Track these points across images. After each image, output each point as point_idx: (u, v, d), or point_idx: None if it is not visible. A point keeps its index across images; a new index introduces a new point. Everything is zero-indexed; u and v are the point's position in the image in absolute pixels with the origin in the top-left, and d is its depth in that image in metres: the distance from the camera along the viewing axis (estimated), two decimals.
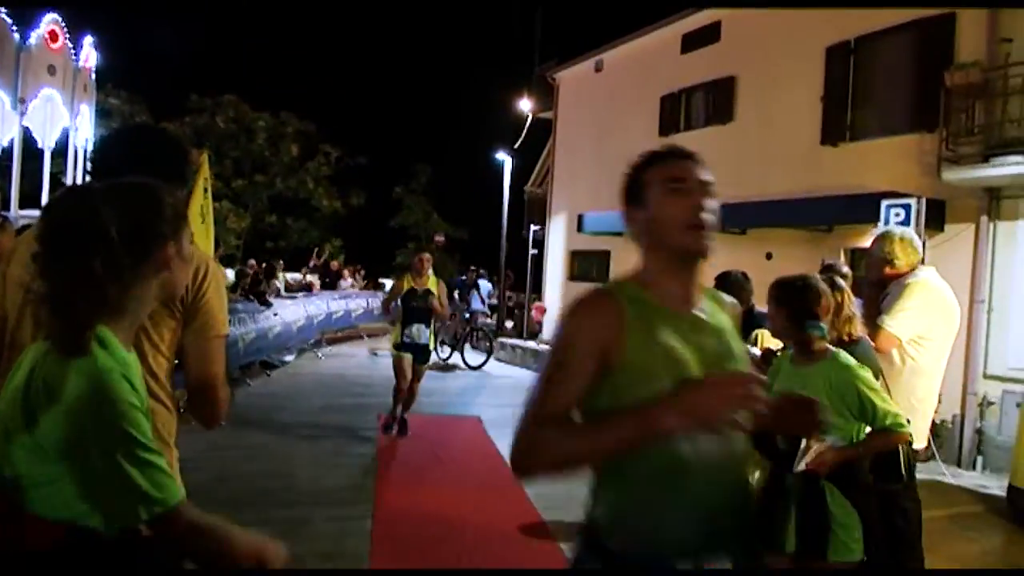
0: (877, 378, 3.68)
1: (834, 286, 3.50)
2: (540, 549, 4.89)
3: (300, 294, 14.71)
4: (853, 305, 3.59)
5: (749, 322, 4.73)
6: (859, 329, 3.57)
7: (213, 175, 26.46)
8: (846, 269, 6.13)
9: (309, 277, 17.31)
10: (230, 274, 14.39)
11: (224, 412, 2.13)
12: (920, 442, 4.38)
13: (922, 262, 4.51)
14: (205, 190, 8.21)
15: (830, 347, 3.01)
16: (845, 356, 3.00)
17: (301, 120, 29.51)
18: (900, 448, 3.62)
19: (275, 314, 11.50)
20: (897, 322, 4.10)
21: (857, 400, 2.90)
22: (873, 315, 4.23)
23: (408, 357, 7.64)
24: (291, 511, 5.34)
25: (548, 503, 5.75)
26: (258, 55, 44.22)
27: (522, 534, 5.14)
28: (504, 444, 7.66)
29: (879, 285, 4.42)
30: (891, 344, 4.11)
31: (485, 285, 17.49)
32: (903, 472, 3.71)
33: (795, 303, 3.12)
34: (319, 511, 5.37)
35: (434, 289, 7.87)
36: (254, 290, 11.91)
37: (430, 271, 8.09)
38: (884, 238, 4.44)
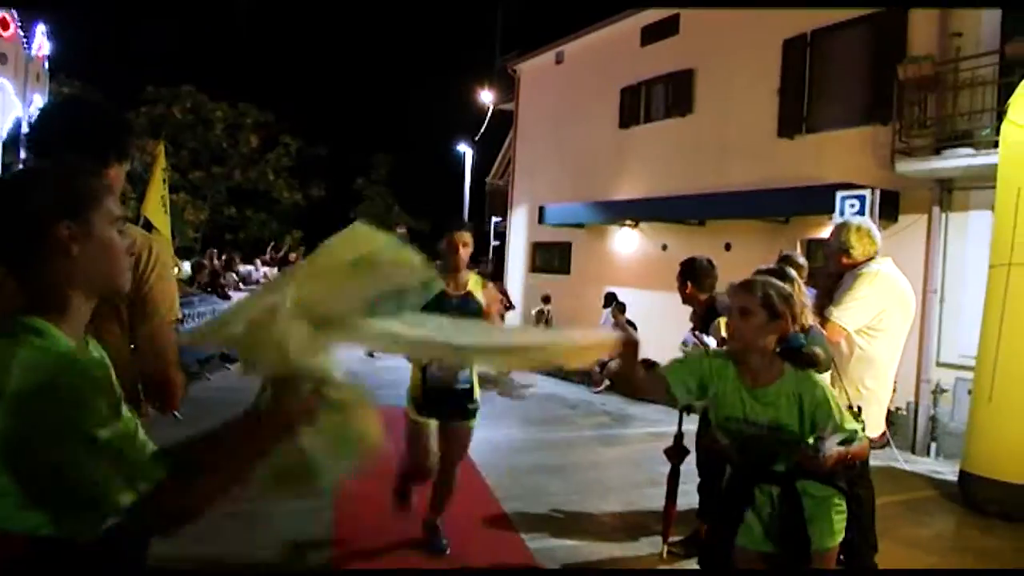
0: (829, 367, 3.75)
1: (785, 277, 3.56)
2: (501, 539, 4.91)
3: (258, 287, 14.55)
4: (804, 295, 3.65)
5: (711, 311, 4.79)
6: (810, 319, 3.63)
7: (170, 166, 26.14)
8: (802, 260, 6.23)
9: (264, 269, 17.10)
10: (187, 266, 14.19)
11: (179, 396, 2.13)
12: (874, 430, 4.46)
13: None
14: (164, 180, 8.12)
15: (784, 363, 2.76)
16: (802, 372, 2.77)
17: (260, 111, 29.14)
18: None
19: None
20: (845, 313, 4.16)
21: (827, 415, 2.70)
22: (826, 305, 4.30)
23: (433, 425, 4.57)
24: (253, 504, 5.29)
25: (508, 494, 5.78)
26: (216, 45, 43.46)
27: (484, 525, 5.15)
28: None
29: (836, 275, 4.49)
30: (839, 335, 4.18)
31: None
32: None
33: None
34: (280, 503, 5.32)
35: (478, 293, 4.53)
36: (212, 282, 11.74)
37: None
38: (842, 228, 4.51)
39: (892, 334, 4.39)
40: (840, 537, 2.88)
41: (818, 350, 2.90)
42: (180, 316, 2.08)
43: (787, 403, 2.69)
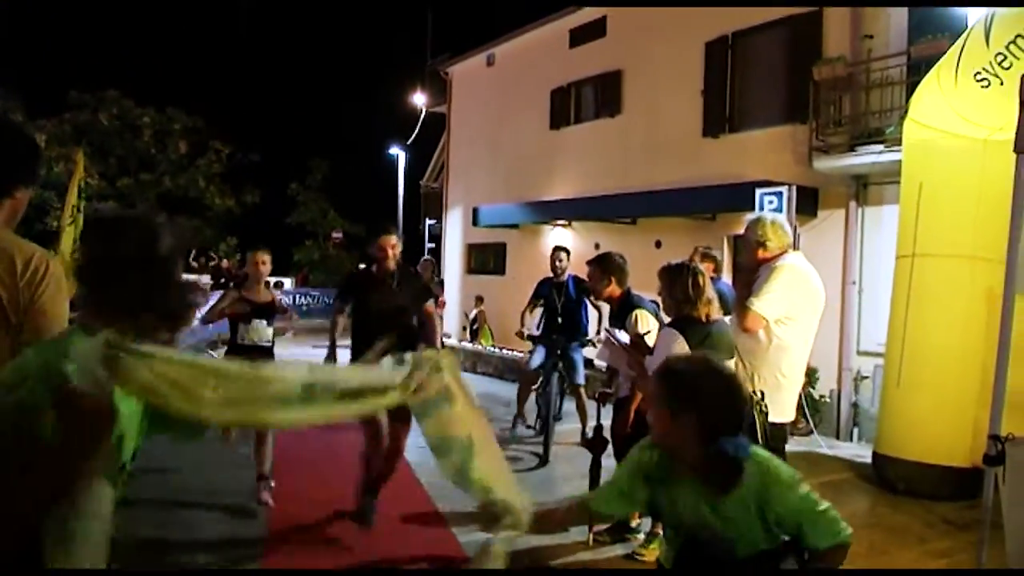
0: (733, 355, 3.93)
1: (687, 270, 3.77)
2: (432, 535, 4.99)
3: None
4: (710, 288, 3.83)
5: (627, 303, 4.96)
6: (715, 312, 3.81)
7: (97, 174, 25.44)
8: (718, 254, 6.45)
9: (194, 277, 16.78)
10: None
11: None
12: (787, 416, 4.68)
13: (793, 247, 4.82)
14: (80, 189, 7.97)
15: (741, 465, 2.21)
16: (764, 464, 2.27)
17: (189, 116, 28.59)
18: (757, 419, 3.90)
19: None
20: (764, 303, 4.37)
21: (807, 518, 2.21)
22: (745, 297, 4.50)
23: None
24: (187, 511, 5.29)
25: (440, 493, 5.85)
26: (142, 49, 42.52)
27: (415, 522, 5.22)
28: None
29: (752, 269, 4.69)
30: (758, 324, 4.38)
31: None
32: (760, 443, 3.97)
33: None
34: (211, 508, 5.33)
35: None
36: None
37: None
38: (756, 223, 4.73)
39: (804, 324, 4.62)
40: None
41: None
42: None
43: (746, 516, 2.22)
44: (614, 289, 5.16)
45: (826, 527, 2.18)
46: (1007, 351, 3.23)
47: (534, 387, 7.89)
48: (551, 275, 7.95)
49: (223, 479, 6.16)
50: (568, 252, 8.08)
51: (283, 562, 4.42)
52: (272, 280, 22.27)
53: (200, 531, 4.93)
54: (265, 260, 5.91)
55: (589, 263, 5.44)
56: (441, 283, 10.94)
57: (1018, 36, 4.62)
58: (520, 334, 8.09)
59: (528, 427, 8.10)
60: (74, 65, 34.47)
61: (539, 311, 8.02)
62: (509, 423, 8.28)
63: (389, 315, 4.84)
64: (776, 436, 4.44)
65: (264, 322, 5.76)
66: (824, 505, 2.20)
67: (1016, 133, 3.33)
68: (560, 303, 7.70)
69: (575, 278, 7.75)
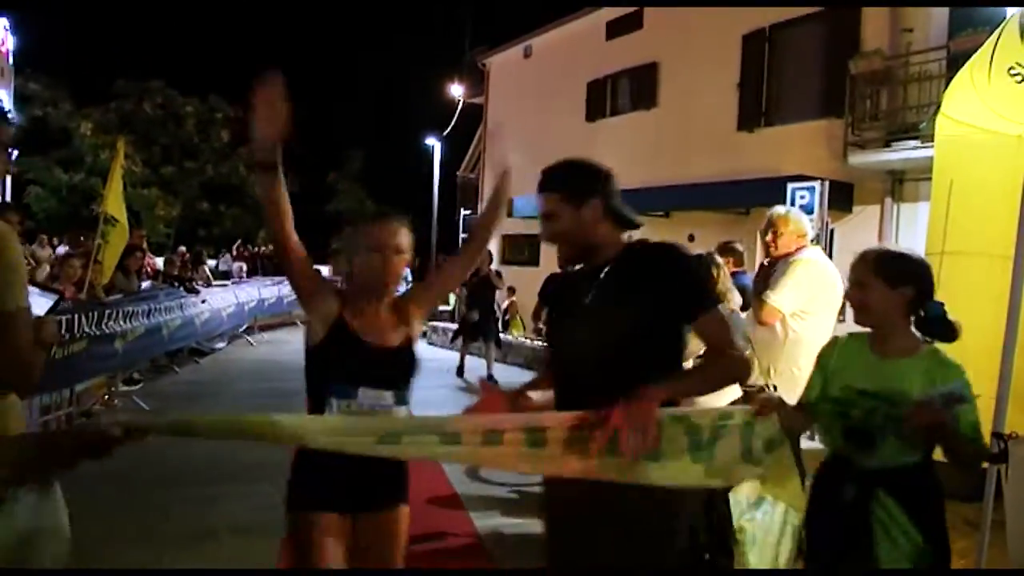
0: (747, 348, 3.95)
1: (713, 263, 3.79)
2: (449, 517, 5.07)
3: (230, 281, 14.59)
4: (727, 281, 3.85)
5: None
6: (734, 304, 3.84)
7: (141, 162, 25.98)
8: (740, 247, 6.46)
9: (238, 264, 17.10)
10: (159, 262, 14.20)
11: (31, 377, 2.11)
12: None
13: (815, 241, 4.81)
14: (123, 176, 8.20)
15: (924, 340, 2.40)
16: (946, 354, 2.37)
17: (231, 105, 29.04)
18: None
19: (203, 301, 11.41)
20: (780, 296, 4.37)
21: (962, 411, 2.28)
22: (762, 290, 4.51)
23: None
24: (206, 488, 5.42)
25: (461, 477, 5.95)
26: (186, 39, 43.20)
27: (433, 504, 5.31)
28: None
29: (770, 263, 4.69)
30: (774, 317, 4.38)
31: None
32: None
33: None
34: (235, 487, 5.46)
35: None
36: (181, 277, 11.79)
37: None
38: (774, 219, 4.72)
39: (821, 318, 4.61)
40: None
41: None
42: (25, 305, 2.05)
43: (919, 379, 2.29)
44: None
45: (968, 423, 2.25)
46: (1012, 347, 3.22)
47: None
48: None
49: (252, 459, 6.33)
50: None
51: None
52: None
53: (221, 507, 5.07)
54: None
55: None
56: (499, 274, 10.98)
57: None
58: (538, 330, 7.93)
59: None
60: (120, 55, 35.25)
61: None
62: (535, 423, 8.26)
63: None
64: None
65: None
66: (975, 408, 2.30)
67: None
68: None
69: None
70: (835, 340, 2.59)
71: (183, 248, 19.61)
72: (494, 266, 18.06)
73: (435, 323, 16.06)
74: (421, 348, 9.43)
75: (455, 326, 15.65)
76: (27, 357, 2.06)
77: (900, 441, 2.25)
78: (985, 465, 3.19)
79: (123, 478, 5.41)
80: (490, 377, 9.94)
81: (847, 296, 2.56)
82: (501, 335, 13.93)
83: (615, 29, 14.76)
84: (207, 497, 5.23)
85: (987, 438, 2.62)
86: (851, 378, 2.39)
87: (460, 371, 10.93)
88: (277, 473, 5.80)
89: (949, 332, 2.38)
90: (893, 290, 2.35)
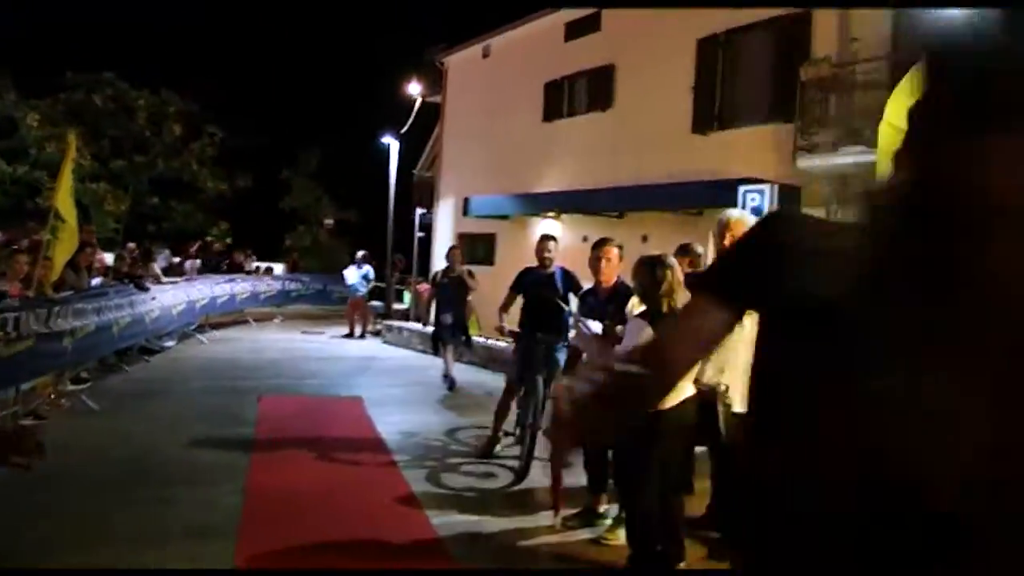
0: None
1: (664, 264, 3.91)
2: (407, 517, 5.11)
3: (181, 279, 14.38)
4: (675, 281, 3.97)
5: (624, 291, 5.09)
6: (682, 303, 3.95)
7: (90, 155, 25.44)
8: (700, 248, 6.59)
9: (189, 262, 16.81)
10: (108, 258, 13.93)
11: None
12: None
13: None
14: (74, 171, 8.07)
15: None
16: None
17: (183, 100, 28.59)
18: (720, 410, 4.05)
19: (153, 298, 11.25)
20: None
21: None
22: None
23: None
24: (162, 490, 5.37)
25: (419, 476, 6.00)
26: (139, 32, 42.38)
27: (392, 505, 5.34)
28: (385, 422, 7.85)
29: None
30: None
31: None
32: (722, 432, 4.13)
33: None
34: (187, 489, 5.42)
35: None
36: (130, 273, 11.60)
37: None
38: (726, 221, 4.86)
39: None
40: None
41: None
42: None
43: None
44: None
45: None
46: None
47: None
48: (535, 265, 7.09)
49: (206, 460, 6.28)
50: (556, 240, 7.28)
51: (257, 547, 4.50)
52: (262, 266, 22.37)
53: (175, 509, 5.04)
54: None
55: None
56: (471, 273, 9.94)
57: None
58: (500, 329, 7.21)
59: (507, 434, 7.06)
60: (71, 47, 34.44)
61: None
62: (487, 410, 7.73)
63: None
64: (740, 425, 4.59)
65: None
66: None
67: None
68: (547, 297, 6.78)
69: (564, 270, 7.02)
70: None
71: (132, 244, 19.27)
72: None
73: (391, 322, 16.03)
74: (377, 347, 9.57)
75: (413, 325, 15.63)
76: None
77: None
78: None
79: (69, 481, 5.35)
80: (446, 377, 9.86)
81: None
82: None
83: (573, 31, 14.89)
84: (159, 499, 5.19)
85: None
86: None
87: (451, 383, 9.88)
88: (229, 475, 5.85)
89: None
90: None
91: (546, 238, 7.18)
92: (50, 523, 4.63)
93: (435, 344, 10.24)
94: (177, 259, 16.61)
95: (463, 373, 10.63)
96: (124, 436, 6.85)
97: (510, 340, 7.36)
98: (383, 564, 4.36)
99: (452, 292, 9.65)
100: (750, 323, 3.80)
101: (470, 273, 9.71)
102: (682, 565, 4.18)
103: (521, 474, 6.09)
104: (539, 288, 6.88)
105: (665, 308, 3.90)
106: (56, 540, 4.39)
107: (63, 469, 5.54)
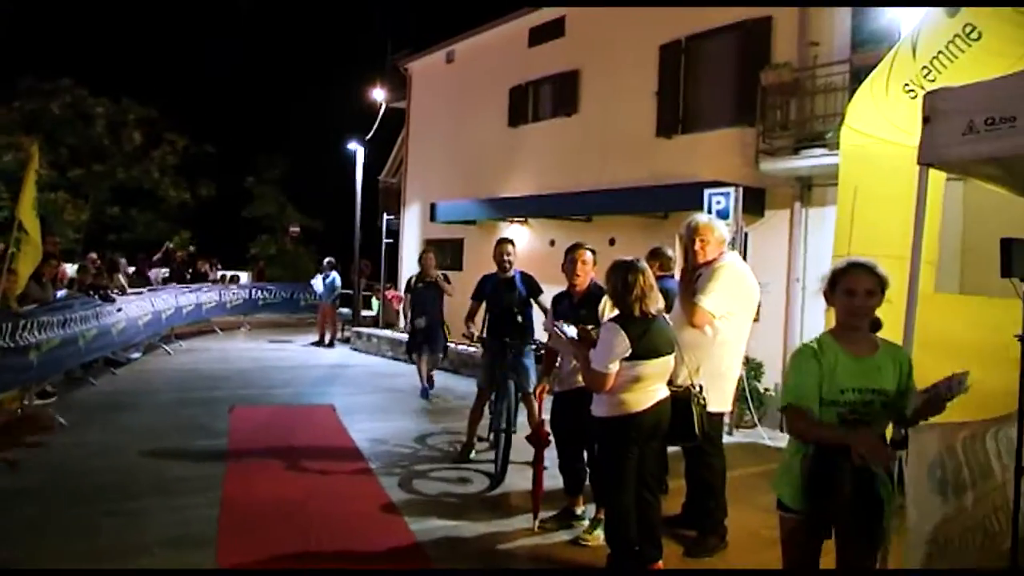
0: (673, 349, 4.16)
1: (636, 269, 4.01)
2: (386, 523, 5.14)
3: (145, 288, 14.21)
4: (646, 284, 4.06)
5: (597, 292, 5.16)
6: (653, 307, 4.05)
7: (48, 164, 24.97)
8: (671, 252, 6.71)
9: (156, 271, 16.63)
10: (71, 269, 13.73)
11: None
12: (726, 406, 4.95)
13: (741, 245, 5.09)
14: (37, 182, 7.98)
15: (874, 335, 3.01)
16: (892, 342, 3.04)
17: (144, 107, 28.19)
18: (694, 410, 4.14)
19: (119, 309, 11.13)
20: (711, 300, 4.64)
21: (912, 383, 2.96)
22: (686, 294, 4.75)
23: None
24: (136, 503, 5.35)
25: (395, 483, 6.03)
26: (97, 39, 41.66)
27: (369, 511, 5.37)
28: (358, 430, 7.85)
29: (693, 268, 4.93)
30: (707, 320, 4.64)
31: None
32: (696, 431, 4.22)
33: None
34: (161, 501, 5.40)
35: None
36: (94, 285, 11.46)
37: None
38: (695, 226, 4.98)
39: (743, 319, 4.90)
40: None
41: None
42: None
43: (892, 369, 2.93)
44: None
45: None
46: (911, 342, 3.52)
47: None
48: (494, 272, 7.08)
49: (179, 472, 6.25)
50: (514, 244, 7.23)
51: (237, 556, 4.50)
52: (228, 274, 22.14)
53: (150, 521, 5.01)
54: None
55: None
56: (447, 277, 9.83)
57: (940, 52, 4.90)
58: (469, 336, 7.15)
59: (480, 439, 7.11)
60: (27, 53, 33.74)
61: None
62: (460, 415, 7.92)
63: None
64: (713, 425, 4.70)
65: None
66: None
67: (920, 146, 3.60)
68: (509, 302, 6.81)
69: (523, 274, 7.05)
70: (813, 346, 3.01)
71: (94, 254, 18.98)
72: (413, 270, 18.10)
73: (360, 329, 15.99)
74: (347, 355, 9.58)
75: (383, 332, 15.62)
76: None
77: (888, 423, 2.89)
78: None
79: (42, 496, 5.31)
80: (431, 383, 9.72)
81: (853, 303, 2.94)
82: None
83: (538, 36, 14.97)
84: (133, 511, 5.17)
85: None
86: (844, 379, 2.89)
87: (424, 392, 9.76)
88: (205, 486, 5.83)
89: (876, 325, 3.01)
90: (882, 296, 2.92)
91: (503, 241, 7.16)
92: (32, 536, 4.60)
93: (410, 352, 10.06)
94: (132, 268, 16.34)
95: (438, 378, 10.62)
96: (96, 450, 6.79)
97: (478, 345, 7.35)
98: (371, 567, 4.39)
99: (427, 297, 9.51)
100: (724, 326, 3.94)
101: (445, 278, 9.62)
102: (660, 564, 4.27)
103: (497, 478, 6.16)
104: (500, 293, 6.90)
105: (637, 312, 3.99)
106: (39, 554, 4.36)
107: (39, 483, 5.51)
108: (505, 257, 6.96)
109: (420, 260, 9.87)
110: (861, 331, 2.96)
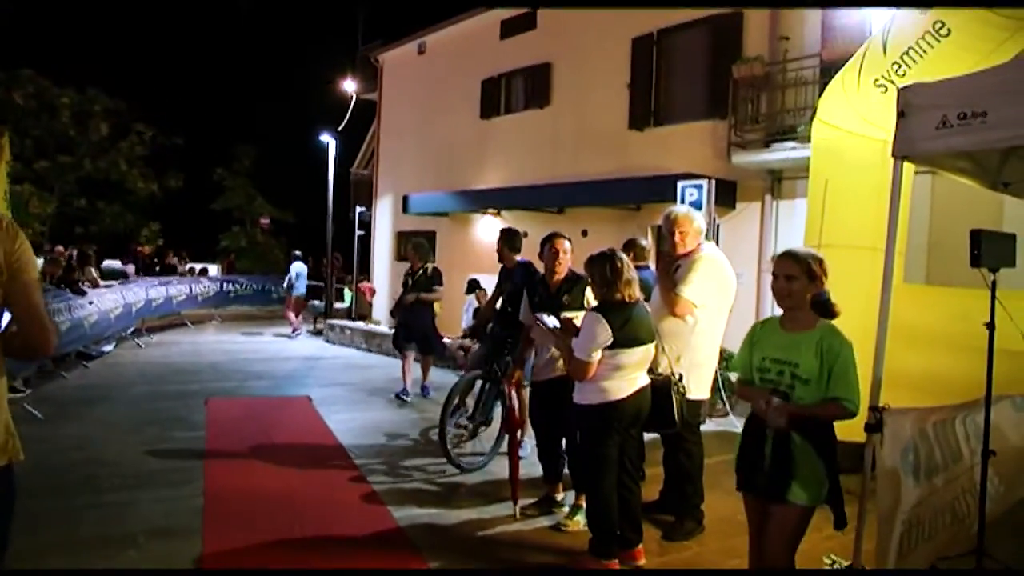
0: (653, 337, 4.27)
1: (618, 257, 4.11)
2: (369, 512, 5.20)
3: (116, 281, 14.08)
4: (632, 273, 4.16)
5: (575, 280, 5.22)
6: (636, 293, 4.15)
7: (12, 156, 24.50)
8: (645, 243, 6.78)
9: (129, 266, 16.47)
10: (39, 262, 13.55)
11: (54, 337, 2.45)
12: (704, 393, 5.06)
13: (713, 236, 5.19)
14: (8, 174, 7.88)
15: (820, 318, 3.22)
16: (837, 329, 3.20)
17: (111, 98, 27.74)
18: (674, 398, 4.25)
19: (91, 302, 11.02)
20: (691, 290, 4.74)
21: (839, 369, 3.10)
22: (667, 284, 4.85)
23: None
24: (117, 495, 5.35)
25: (377, 472, 6.08)
26: (60, 28, 40.96)
27: (352, 500, 5.42)
28: (335, 420, 7.89)
29: (671, 259, 5.03)
30: (688, 310, 4.75)
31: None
32: (676, 419, 4.33)
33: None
34: (144, 493, 5.41)
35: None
36: (67, 278, 11.33)
37: None
38: (674, 217, 5.07)
39: (721, 308, 5.02)
40: (815, 501, 3.18)
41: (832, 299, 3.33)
42: (38, 276, 2.37)
43: (811, 347, 3.13)
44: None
45: (846, 386, 3.07)
46: (885, 330, 3.65)
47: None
48: (514, 265, 6.69)
49: (160, 464, 6.25)
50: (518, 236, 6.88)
51: (223, 545, 4.53)
52: (197, 267, 21.93)
53: (135, 513, 5.02)
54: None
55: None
56: (436, 269, 9.56)
57: (910, 48, 5.04)
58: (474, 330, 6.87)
59: (460, 427, 6.62)
60: None
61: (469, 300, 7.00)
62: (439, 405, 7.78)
63: None
64: (692, 412, 4.81)
65: None
66: (856, 375, 3.10)
67: (895, 140, 3.72)
68: (512, 292, 6.43)
69: (527, 264, 6.63)
70: (757, 323, 3.48)
71: (61, 247, 18.72)
72: (385, 263, 18.06)
73: (333, 321, 15.96)
74: (320, 347, 9.57)
75: (356, 324, 15.60)
76: (48, 319, 2.41)
77: (810, 397, 3.11)
78: (863, 439, 3.60)
79: (21, 490, 5.24)
80: (424, 391, 9.47)
81: (774, 285, 3.27)
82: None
83: (509, 28, 15.02)
84: (117, 503, 5.17)
85: (865, 412, 3.09)
86: (767, 350, 3.27)
87: (405, 392, 9.25)
88: (186, 477, 5.84)
89: (830, 312, 3.27)
90: (811, 282, 3.19)
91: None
92: (16, 530, 4.57)
93: (395, 345, 9.74)
94: (118, 262, 16.19)
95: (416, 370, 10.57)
96: (74, 443, 6.75)
97: (473, 341, 7.31)
98: (350, 556, 4.44)
99: (417, 313, 9.27)
100: (703, 315, 4.08)
101: (435, 270, 9.47)
102: (640, 548, 4.37)
103: (477, 466, 6.22)
104: (506, 284, 6.74)
105: (625, 297, 4.09)
106: (26, 548, 4.34)
107: (18, 477, 5.46)
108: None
109: (407, 254, 9.61)
110: (799, 312, 3.23)
